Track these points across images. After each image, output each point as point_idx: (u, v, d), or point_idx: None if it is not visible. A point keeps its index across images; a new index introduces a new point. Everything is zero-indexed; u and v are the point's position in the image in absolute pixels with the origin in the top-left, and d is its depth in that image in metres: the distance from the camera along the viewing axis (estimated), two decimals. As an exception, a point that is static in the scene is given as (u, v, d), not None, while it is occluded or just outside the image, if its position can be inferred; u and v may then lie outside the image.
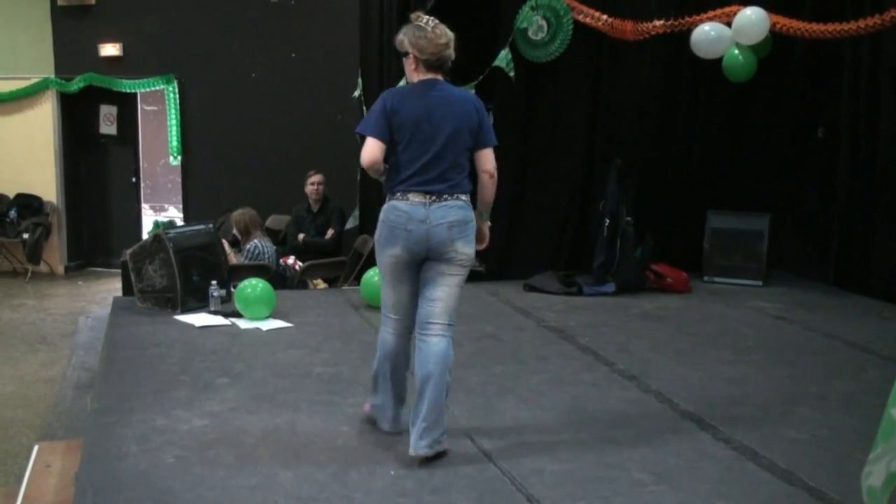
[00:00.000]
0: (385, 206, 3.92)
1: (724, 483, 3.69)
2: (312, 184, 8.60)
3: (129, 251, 6.64)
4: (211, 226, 6.96)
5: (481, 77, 7.77)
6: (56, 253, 11.46)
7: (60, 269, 11.51)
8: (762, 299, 7.26)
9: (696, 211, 7.91)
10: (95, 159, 11.62)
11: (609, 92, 7.93)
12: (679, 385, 4.98)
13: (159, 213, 14.18)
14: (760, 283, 7.72)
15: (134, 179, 11.54)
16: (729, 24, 7.34)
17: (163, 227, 7.29)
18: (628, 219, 7.37)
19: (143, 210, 12.14)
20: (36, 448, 4.37)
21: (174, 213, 15.04)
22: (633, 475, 3.75)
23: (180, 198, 12.12)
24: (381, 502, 3.46)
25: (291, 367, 5.20)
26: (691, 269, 7.74)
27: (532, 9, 7.65)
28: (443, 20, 3.92)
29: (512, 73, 7.73)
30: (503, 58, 7.71)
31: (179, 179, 11.67)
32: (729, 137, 8.03)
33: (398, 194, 3.87)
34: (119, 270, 8.55)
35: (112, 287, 10.17)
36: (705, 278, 7.84)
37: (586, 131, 7.99)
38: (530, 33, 7.71)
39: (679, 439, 4.19)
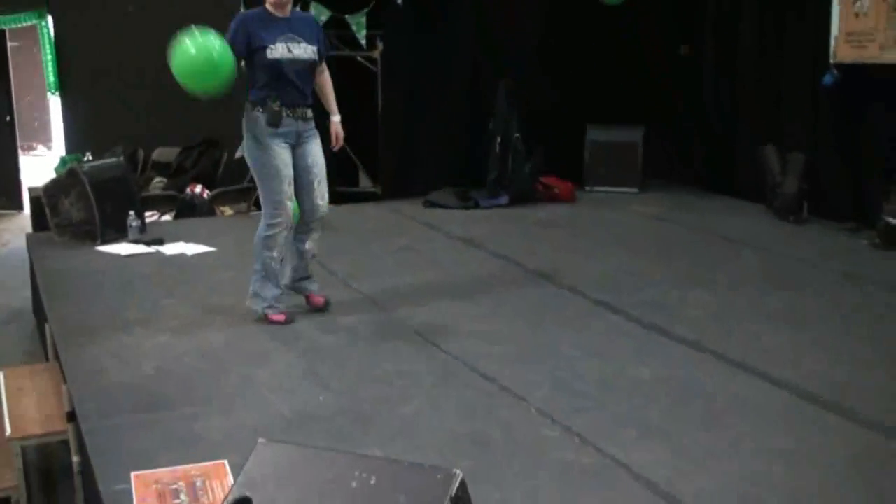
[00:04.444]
0: None
1: (643, 353, 4.30)
2: None
3: (42, 186, 6.73)
4: (122, 159, 7.09)
5: (371, 4, 8.07)
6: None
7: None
8: (641, 204, 7.97)
9: (577, 125, 8.51)
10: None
11: (495, 17, 8.38)
12: (587, 279, 5.57)
13: (27, 151, 13.82)
14: (636, 190, 8.42)
15: (8, 118, 11.27)
16: (602, -50, 7.84)
17: (76, 162, 7.34)
18: (517, 135, 7.92)
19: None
20: (1, 374, 4.55)
21: (43, 151, 14.71)
22: (565, 351, 4.32)
23: (49, 135, 11.92)
24: (353, 387, 3.90)
25: (229, 285, 5.47)
26: (574, 179, 8.36)
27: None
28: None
29: (400, 1, 8.05)
30: (393, -15, 8.02)
31: (48, 117, 11.47)
32: (604, 57, 8.61)
33: None
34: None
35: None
36: (587, 188, 8.49)
37: (474, 53, 8.45)
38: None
39: (596, 322, 4.80)
